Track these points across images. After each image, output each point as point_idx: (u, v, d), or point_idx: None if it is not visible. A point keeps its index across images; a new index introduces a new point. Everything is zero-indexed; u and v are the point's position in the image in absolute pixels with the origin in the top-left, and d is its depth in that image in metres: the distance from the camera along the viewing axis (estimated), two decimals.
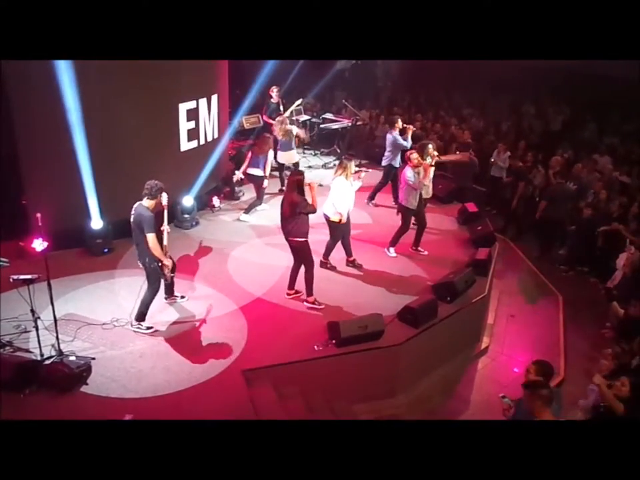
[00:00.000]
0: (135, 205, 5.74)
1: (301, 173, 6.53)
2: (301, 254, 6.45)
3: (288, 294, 6.71)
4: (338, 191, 6.97)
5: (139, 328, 5.97)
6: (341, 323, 5.86)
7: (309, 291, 6.56)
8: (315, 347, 5.79)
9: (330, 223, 7.11)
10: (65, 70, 6.62)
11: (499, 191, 11.04)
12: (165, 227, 5.85)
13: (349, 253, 7.48)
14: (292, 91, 12.63)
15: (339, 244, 7.33)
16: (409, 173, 7.47)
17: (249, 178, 8.95)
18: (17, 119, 6.81)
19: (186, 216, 8.48)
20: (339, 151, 12.02)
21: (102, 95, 7.11)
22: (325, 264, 7.35)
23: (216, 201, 9.25)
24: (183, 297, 6.59)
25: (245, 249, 8.00)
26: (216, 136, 9.23)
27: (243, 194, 9.76)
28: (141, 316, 5.96)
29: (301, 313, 6.46)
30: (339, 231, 7.17)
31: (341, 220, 6.99)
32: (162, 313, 6.29)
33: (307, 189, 6.34)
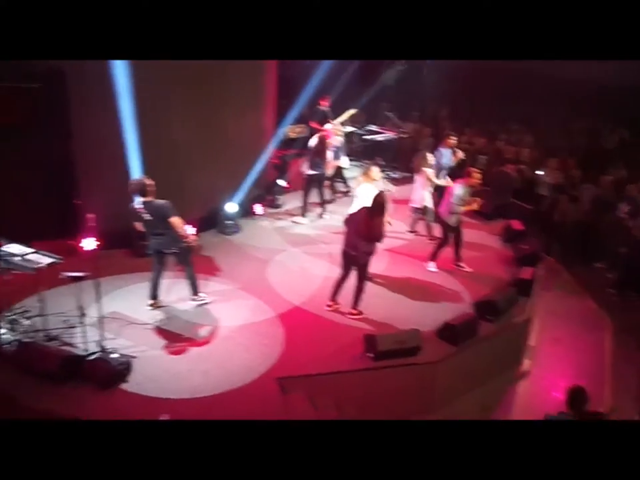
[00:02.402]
0: (139, 204, 6.00)
1: (385, 195, 6.41)
2: (364, 270, 6.42)
3: (329, 305, 6.67)
4: (364, 197, 6.93)
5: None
6: (378, 337, 5.83)
7: (356, 303, 6.53)
8: (352, 359, 5.73)
9: None
10: (121, 74, 6.87)
11: (545, 209, 10.77)
12: None
13: None
14: (339, 102, 12.69)
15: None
16: (459, 189, 7.37)
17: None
18: (75, 121, 7.10)
19: (228, 222, 8.62)
20: (381, 163, 11.99)
21: (155, 100, 7.32)
22: None
23: (258, 208, 9.38)
24: (205, 299, 6.66)
25: (285, 256, 8.06)
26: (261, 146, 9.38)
27: (284, 203, 9.86)
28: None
29: (338, 324, 6.45)
30: None
31: None
32: (202, 317, 6.39)
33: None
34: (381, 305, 6.86)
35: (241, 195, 8.85)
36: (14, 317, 5.74)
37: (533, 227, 10.30)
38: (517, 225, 8.80)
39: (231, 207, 8.60)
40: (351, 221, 6.37)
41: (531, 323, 7.42)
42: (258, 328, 6.29)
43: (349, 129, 12.30)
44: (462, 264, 7.85)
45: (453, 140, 9.24)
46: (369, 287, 7.19)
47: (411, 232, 8.91)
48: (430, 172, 8.34)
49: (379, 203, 6.17)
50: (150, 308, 6.42)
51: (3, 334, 5.54)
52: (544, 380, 7.08)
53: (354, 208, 6.98)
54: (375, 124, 13.14)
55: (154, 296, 6.46)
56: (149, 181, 6.05)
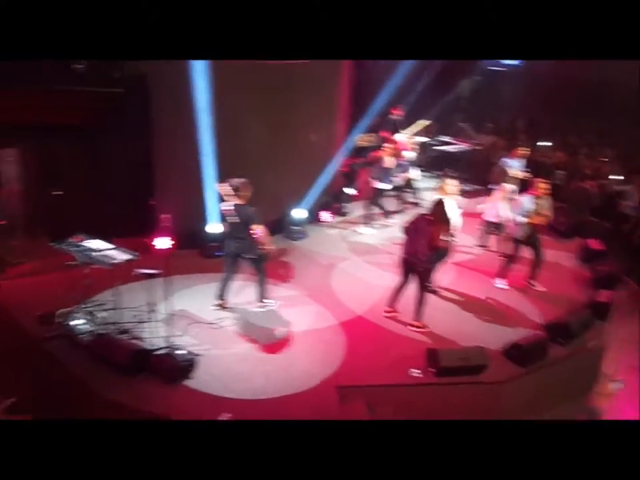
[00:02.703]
0: (228, 206, 6.22)
1: (443, 202, 6.39)
2: (425, 280, 6.35)
3: (387, 311, 6.64)
4: None
5: (268, 305, 6.59)
6: (441, 352, 5.69)
7: (419, 315, 6.43)
8: (413, 372, 5.66)
9: None
10: (200, 78, 7.12)
11: (627, 228, 10.17)
12: None
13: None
14: (412, 112, 12.60)
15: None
16: (527, 201, 7.11)
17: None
18: (154, 124, 7.44)
19: (295, 228, 8.72)
20: (452, 174, 11.76)
21: (230, 105, 7.54)
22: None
23: (325, 215, 9.43)
24: (273, 302, 6.75)
25: (349, 265, 8.05)
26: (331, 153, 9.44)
27: (352, 210, 9.87)
28: (263, 297, 6.57)
29: (400, 336, 6.35)
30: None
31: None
32: (266, 321, 6.49)
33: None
34: (445, 319, 6.71)
35: (308, 201, 8.94)
36: (91, 308, 6.05)
37: (612, 247, 9.76)
38: (595, 244, 8.36)
39: (298, 213, 8.70)
40: (409, 228, 6.34)
41: (606, 349, 7.01)
42: (320, 335, 6.31)
43: (420, 139, 12.16)
44: (535, 282, 7.54)
45: (522, 151, 8.96)
46: (434, 300, 7.07)
47: (481, 246, 8.66)
48: (510, 187, 8.02)
49: (438, 209, 6.13)
50: (215, 308, 6.57)
51: (80, 324, 5.86)
52: (618, 411, 6.66)
53: None
54: (447, 134, 12.92)
55: (221, 296, 6.61)
56: (246, 185, 6.23)
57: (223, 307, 6.61)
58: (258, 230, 6.14)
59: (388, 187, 9.03)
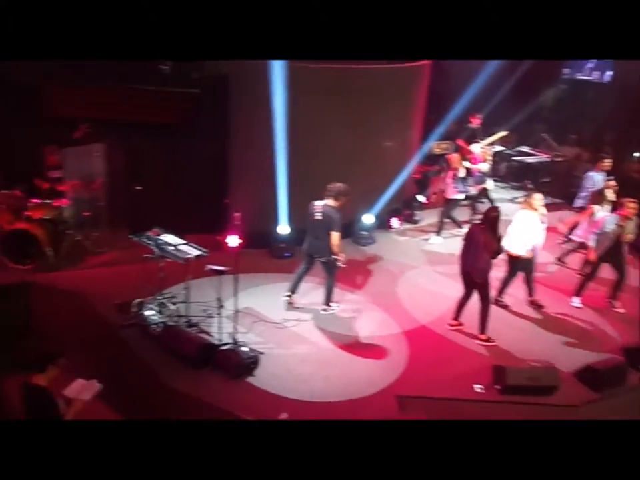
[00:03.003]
0: (320, 204, 6.34)
1: (498, 209, 6.29)
2: (484, 291, 6.20)
3: (451, 324, 6.51)
4: (521, 223, 6.61)
5: (332, 310, 6.64)
6: (508, 369, 5.49)
7: (483, 328, 6.27)
8: (477, 387, 5.49)
9: (508, 256, 6.74)
10: (278, 80, 7.25)
11: None
12: None
13: (531, 292, 7.03)
14: (491, 120, 12.25)
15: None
16: (610, 222, 6.73)
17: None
18: (232, 124, 7.66)
19: (364, 233, 8.69)
20: (530, 186, 11.34)
21: (306, 108, 7.63)
22: (498, 301, 6.97)
23: (395, 221, 9.34)
24: (337, 306, 6.77)
25: (417, 273, 7.93)
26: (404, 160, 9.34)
27: (423, 218, 9.72)
28: (328, 300, 6.63)
29: (466, 349, 6.18)
30: (517, 266, 6.76)
31: (519, 255, 6.59)
32: (330, 325, 6.50)
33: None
34: (514, 335, 6.47)
35: (378, 207, 8.88)
36: (163, 300, 6.30)
37: None
38: None
39: (368, 218, 8.67)
40: (466, 238, 6.22)
41: None
42: (383, 342, 6.24)
43: (497, 148, 11.79)
44: (616, 303, 7.12)
45: (607, 163, 8.47)
46: (503, 315, 6.85)
47: (559, 263, 8.24)
48: (599, 208, 7.49)
49: (492, 217, 6.02)
50: (286, 299, 6.72)
51: (153, 315, 6.12)
52: None
53: (510, 234, 6.69)
54: (527, 145, 12.45)
55: (292, 290, 6.74)
56: (347, 192, 6.35)
57: (290, 299, 6.73)
58: (334, 236, 6.21)
59: (460, 196, 8.83)
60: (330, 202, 6.35)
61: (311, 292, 7.01)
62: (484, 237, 5.98)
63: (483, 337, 6.27)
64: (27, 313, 5.89)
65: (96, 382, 4.08)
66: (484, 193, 9.57)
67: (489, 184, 9.54)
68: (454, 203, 8.94)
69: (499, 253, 6.08)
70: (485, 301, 6.22)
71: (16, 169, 7.40)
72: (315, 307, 6.75)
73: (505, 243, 6.66)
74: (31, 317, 5.91)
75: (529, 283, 7.00)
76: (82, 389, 4.02)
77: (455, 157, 8.91)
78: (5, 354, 5.17)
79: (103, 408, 4.38)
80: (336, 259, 6.39)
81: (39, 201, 7.22)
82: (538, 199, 6.69)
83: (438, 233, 9.00)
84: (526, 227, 6.58)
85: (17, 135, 7.50)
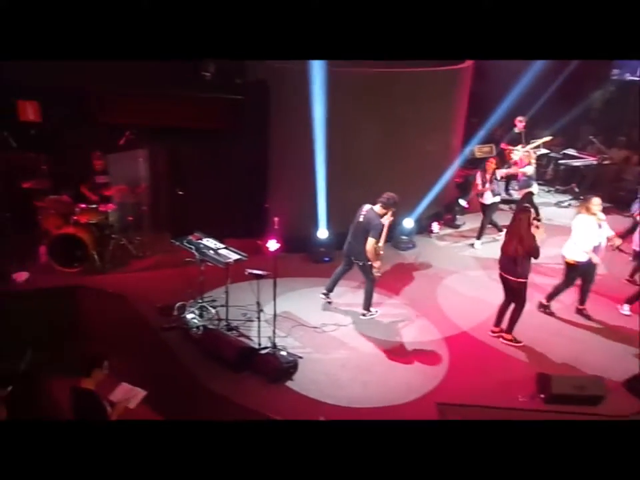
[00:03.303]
0: (366, 208, 6.34)
1: (529, 210, 6.15)
2: (519, 294, 6.09)
3: (493, 331, 6.39)
4: (579, 229, 6.40)
5: (371, 315, 6.61)
6: (553, 378, 5.32)
7: (511, 329, 6.20)
8: (520, 397, 5.34)
9: (566, 263, 6.55)
10: (318, 85, 7.27)
11: None
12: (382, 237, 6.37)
13: (583, 300, 6.81)
14: (536, 123, 11.96)
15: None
16: None
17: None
18: (273, 130, 7.73)
19: (404, 237, 8.62)
20: (576, 190, 11.00)
21: (347, 112, 7.64)
22: (545, 307, 6.78)
23: (435, 226, 9.23)
24: (376, 311, 6.72)
25: (457, 278, 7.79)
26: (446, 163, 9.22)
27: (464, 223, 9.56)
28: (368, 305, 6.59)
29: (508, 357, 6.03)
30: (574, 273, 6.56)
31: (577, 262, 6.39)
32: (369, 329, 6.45)
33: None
34: (560, 343, 6.27)
35: (419, 211, 8.78)
36: (203, 304, 6.40)
37: None
38: None
39: (408, 223, 8.59)
40: (504, 242, 6.13)
41: None
42: (422, 347, 6.17)
43: (542, 151, 11.49)
44: None
45: None
46: (550, 322, 6.70)
47: (631, 280, 7.75)
48: None
49: (522, 219, 5.90)
50: (322, 297, 6.77)
51: (193, 318, 6.22)
52: None
53: (569, 241, 6.51)
54: (574, 148, 12.09)
55: (330, 289, 6.78)
56: (396, 202, 6.36)
57: (327, 298, 6.77)
58: (369, 242, 6.16)
59: (496, 199, 8.60)
60: (377, 208, 6.34)
61: (349, 294, 6.99)
62: (520, 239, 5.86)
63: (508, 336, 6.23)
64: (74, 316, 6.07)
65: (140, 389, 4.16)
66: (528, 197, 9.32)
67: (534, 188, 9.30)
68: (493, 206, 8.72)
69: (533, 256, 5.89)
70: (519, 304, 6.13)
71: (64, 174, 7.66)
72: (353, 311, 6.72)
73: (565, 249, 6.53)
74: (77, 319, 6.09)
75: (584, 292, 6.76)
76: (127, 394, 4.09)
77: (491, 161, 8.73)
78: (53, 355, 5.35)
79: (144, 409, 4.45)
80: (371, 265, 6.36)
81: (85, 206, 7.43)
82: (596, 203, 6.44)
83: (479, 237, 8.83)
84: (583, 232, 6.36)
85: (66, 142, 7.76)
